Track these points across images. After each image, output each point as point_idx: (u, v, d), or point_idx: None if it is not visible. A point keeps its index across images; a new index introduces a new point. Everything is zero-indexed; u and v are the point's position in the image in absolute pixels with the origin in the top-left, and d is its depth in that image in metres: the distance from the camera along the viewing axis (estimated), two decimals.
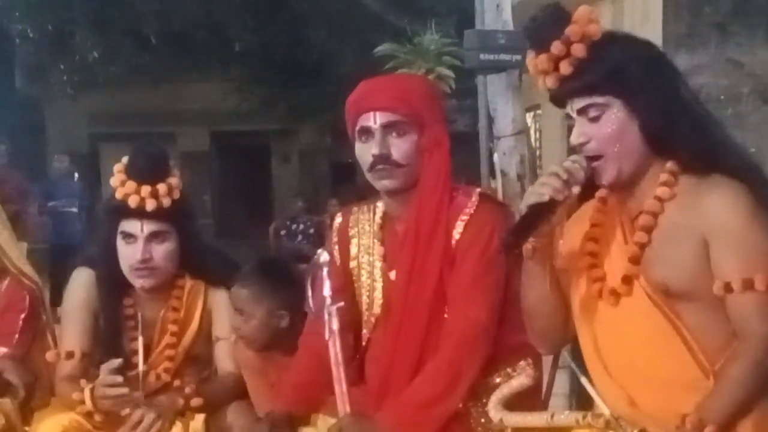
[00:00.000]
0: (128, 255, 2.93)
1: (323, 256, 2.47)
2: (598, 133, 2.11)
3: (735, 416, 1.98)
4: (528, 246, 2.17)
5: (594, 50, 2.11)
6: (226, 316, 3.05)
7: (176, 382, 2.99)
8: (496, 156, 9.70)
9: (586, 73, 2.11)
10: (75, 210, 11.18)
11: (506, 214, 2.58)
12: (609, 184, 2.16)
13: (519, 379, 2.37)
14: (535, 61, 2.17)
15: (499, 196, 9.34)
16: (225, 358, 3.05)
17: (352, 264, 2.69)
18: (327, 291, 2.42)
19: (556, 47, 2.12)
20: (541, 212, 2.11)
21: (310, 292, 2.48)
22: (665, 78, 2.13)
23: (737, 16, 9.40)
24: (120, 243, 2.94)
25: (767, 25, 9.41)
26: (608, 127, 2.10)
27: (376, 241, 2.64)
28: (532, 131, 13.31)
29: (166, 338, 3.02)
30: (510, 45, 9.15)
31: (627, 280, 2.11)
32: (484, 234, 2.46)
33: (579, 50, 2.11)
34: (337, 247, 2.72)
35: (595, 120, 2.11)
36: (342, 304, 2.43)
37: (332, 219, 2.81)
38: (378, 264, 2.63)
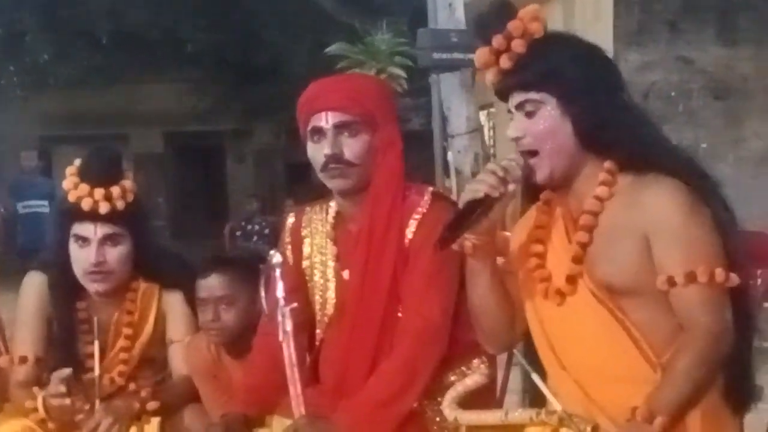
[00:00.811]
0: (81, 258, 2.91)
1: (276, 257, 2.47)
2: (532, 129, 2.15)
3: (684, 407, 2.01)
4: (468, 243, 2.18)
5: (534, 48, 2.15)
6: (180, 318, 3.04)
7: (131, 386, 2.97)
8: (450, 154, 9.72)
9: (523, 70, 2.15)
10: (46, 211, 10.85)
11: None
12: (544, 182, 2.19)
13: (473, 377, 2.38)
14: (479, 53, 2.22)
15: (454, 194, 9.35)
16: (180, 360, 3.03)
17: (305, 264, 2.68)
18: (280, 292, 2.42)
19: (497, 41, 2.16)
20: (477, 209, 2.13)
21: (263, 294, 2.47)
22: (602, 81, 2.17)
23: (687, 14, 9.56)
24: (73, 246, 2.92)
25: (716, 22, 9.59)
26: (541, 123, 2.14)
27: (328, 240, 2.64)
28: (486, 129, 13.36)
29: (120, 342, 3.00)
30: (463, 43, 9.18)
31: (571, 279, 2.14)
32: (437, 232, 2.46)
33: (518, 46, 2.15)
34: (289, 247, 2.71)
35: (530, 115, 2.15)
36: (295, 305, 2.43)
37: (285, 219, 2.80)
38: (331, 264, 2.63)
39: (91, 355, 2.89)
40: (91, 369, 2.88)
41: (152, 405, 2.86)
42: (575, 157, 2.15)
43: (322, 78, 2.66)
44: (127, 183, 2.94)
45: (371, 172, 2.52)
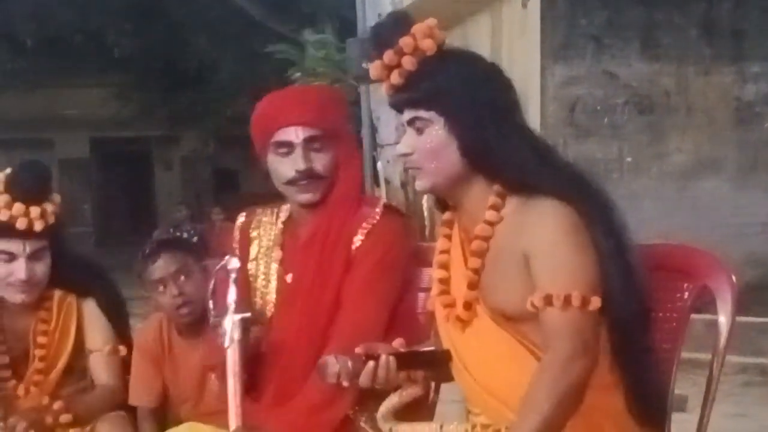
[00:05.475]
0: (4, 274, 2.87)
1: (233, 261, 2.42)
2: (420, 147, 2.13)
3: (552, 429, 1.94)
4: None
5: (425, 65, 2.11)
6: (98, 327, 3.02)
7: (45, 399, 2.91)
8: (379, 164, 9.80)
9: (412, 87, 2.12)
10: None
11: (408, 225, 2.62)
12: (422, 192, 2.22)
13: (409, 390, 2.35)
14: (373, 66, 2.17)
15: None
16: (99, 370, 3.01)
17: (250, 266, 2.69)
18: (232, 297, 2.39)
19: (388, 56, 2.12)
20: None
21: (211, 302, 2.42)
22: (490, 103, 2.12)
23: (611, 30, 9.72)
24: None
25: (640, 38, 9.77)
26: (428, 142, 2.11)
27: (275, 244, 2.66)
28: None
29: (37, 351, 2.95)
30: None
31: (467, 305, 2.12)
32: (383, 242, 2.49)
33: (409, 63, 2.11)
34: (237, 246, 2.70)
35: (419, 132, 2.13)
36: (249, 314, 2.40)
37: (234, 222, 2.80)
38: (274, 266, 2.65)
39: (6, 366, 2.90)
40: (7, 379, 2.88)
41: (65, 418, 2.83)
42: (462, 177, 2.13)
43: (280, 90, 2.67)
44: (56, 198, 2.92)
45: (333, 183, 2.55)
